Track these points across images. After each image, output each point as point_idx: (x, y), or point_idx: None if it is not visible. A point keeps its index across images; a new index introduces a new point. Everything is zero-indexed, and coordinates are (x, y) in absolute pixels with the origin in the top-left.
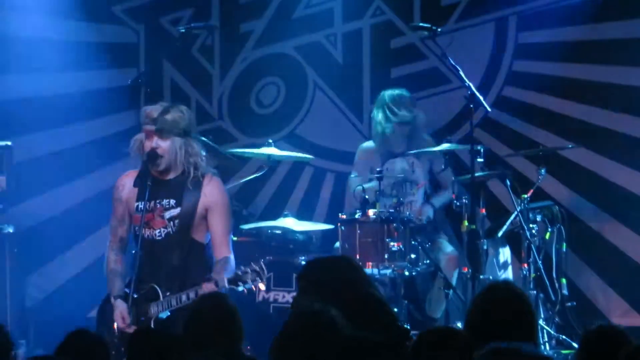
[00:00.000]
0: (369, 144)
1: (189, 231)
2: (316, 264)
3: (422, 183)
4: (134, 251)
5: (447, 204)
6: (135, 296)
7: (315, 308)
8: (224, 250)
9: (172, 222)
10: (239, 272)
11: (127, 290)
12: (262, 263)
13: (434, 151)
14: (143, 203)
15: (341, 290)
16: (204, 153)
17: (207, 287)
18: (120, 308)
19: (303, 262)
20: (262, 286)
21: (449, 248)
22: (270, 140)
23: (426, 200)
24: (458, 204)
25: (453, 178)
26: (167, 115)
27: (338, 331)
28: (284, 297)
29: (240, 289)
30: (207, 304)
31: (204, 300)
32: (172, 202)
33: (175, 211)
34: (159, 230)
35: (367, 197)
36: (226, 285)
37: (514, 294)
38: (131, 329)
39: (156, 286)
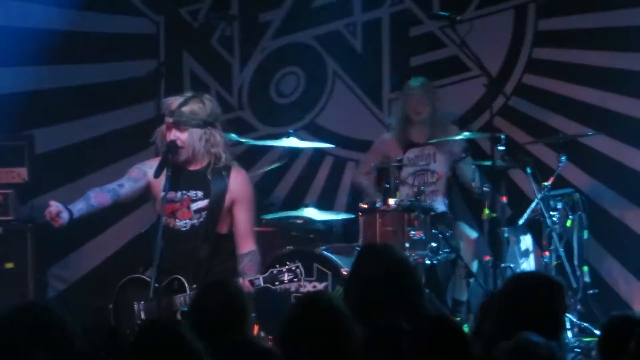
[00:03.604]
0: (390, 133)
1: (215, 223)
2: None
3: (443, 173)
4: (155, 241)
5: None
6: (157, 286)
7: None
8: (249, 243)
9: (198, 214)
10: (274, 271)
11: (145, 277)
12: (299, 263)
13: (455, 140)
14: (167, 193)
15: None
16: (226, 143)
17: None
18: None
19: (323, 252)
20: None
21: (469, 232)
22: (291, 131)
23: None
24: (479, 192)
25: (474, 166)
26: (185, 106)
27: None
28: (305, 287)
29: (276, 289)
30: (211, 291)
31: (207, 287)
32: (200, 193)
33: (203, 203)
34: (184, 222)
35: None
36: (262, 284)
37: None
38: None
39: (182, 278)
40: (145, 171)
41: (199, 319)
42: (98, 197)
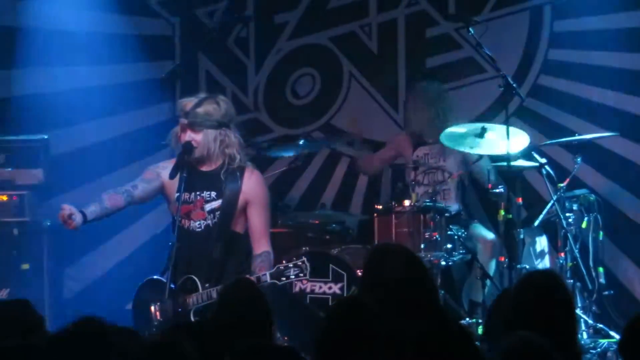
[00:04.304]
0: (404, 133)
1: (229, 224)
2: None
3: (457, 174)
4: (170, 242)
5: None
6: (173, 287)
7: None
8: (263, 244)
9: (212, 215)
10: (281, 267)
11: (162, 279)
12: (304, 258)
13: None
14: (182, 194)
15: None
16: (241, 144)
17: None
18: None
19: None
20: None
21: (486, 234)
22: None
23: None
24: (495, 192)
25: (490, 167)
26: (200, 108)
27: (378, 320)
28: (320, 287)
29: (282, 283)
30: (232, 290)
31: (229, 288)
32: (213, 194)
33: (216, 203)
34: (198, 222)
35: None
36: (268, 279)
37: (556, 284)
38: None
39: (195, 277)
40: (159, 172)
41: (223, 320)
42: (111, 199)
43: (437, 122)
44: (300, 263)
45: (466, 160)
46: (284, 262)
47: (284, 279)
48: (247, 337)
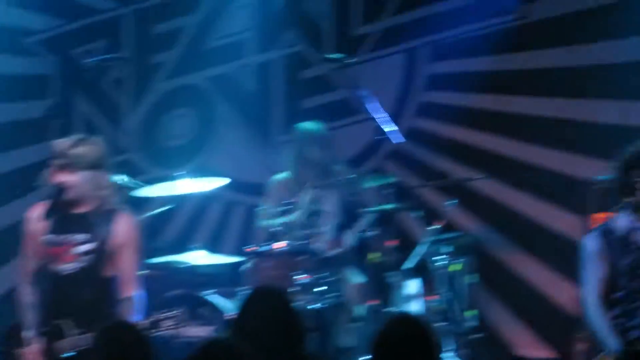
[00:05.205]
0: (282, 175)
1: (99, 267)
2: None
3: (333, 214)
4: (41, 286)
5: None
6: (41, 333)
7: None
8: (132, 287)
9: (83, 257)
10: (156, 318)
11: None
12: (182, 309)
13: (345, 182)
14: (53, 237)
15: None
16: (114, 187)
17: None
18: (35, 346)
19: (210, 296)
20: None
21: (356, 278)
22: (179, 173)
23: (343, 230)
24: (367, 235)
25: (363, 209)
26: (75, 149)
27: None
28: (192, 331)
29: (156, 334)
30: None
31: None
32: (84, 236)
33: (87, 246)
34: (69, 265)
35: (275, 230)
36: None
37: (418, 327)
38: None
39: (62, 324)
40: (31, 229)
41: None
42: (33, 296)
43: (323, 165)
44: (176, 315)
45: (343, 200)
46: (160, 311)
47: (158, 329)
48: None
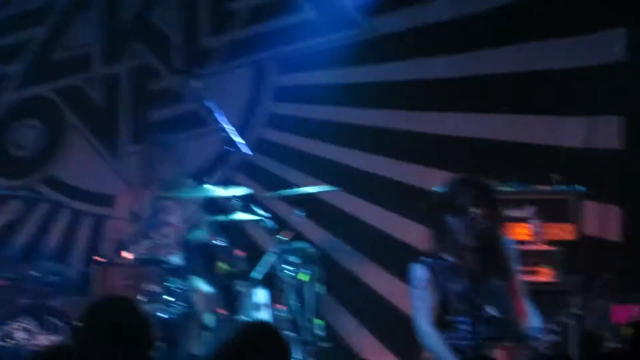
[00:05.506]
0: (130, 186)
1: None
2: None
3: (178, 226)
4: None
5: (204, 242)
6: None
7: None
8: None
9: None
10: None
11: None
12: (30, 319)
13: (190, 193)
14: None
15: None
16: None
17: None
18: None
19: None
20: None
21: (203, 286)
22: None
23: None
24: (214, 245)
25: (208, 219)
26: None
27: None
28: (39, 340)
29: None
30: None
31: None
32: None
33: None
34: None
35: (123, 240)
36: None
37: (271, 334)
38: None
39: None
40: None
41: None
42: None
43: (170, 177)
44: (24, 326)
45: (190, 212)
46: (7, 322)
47: (8, 339)
48: None
